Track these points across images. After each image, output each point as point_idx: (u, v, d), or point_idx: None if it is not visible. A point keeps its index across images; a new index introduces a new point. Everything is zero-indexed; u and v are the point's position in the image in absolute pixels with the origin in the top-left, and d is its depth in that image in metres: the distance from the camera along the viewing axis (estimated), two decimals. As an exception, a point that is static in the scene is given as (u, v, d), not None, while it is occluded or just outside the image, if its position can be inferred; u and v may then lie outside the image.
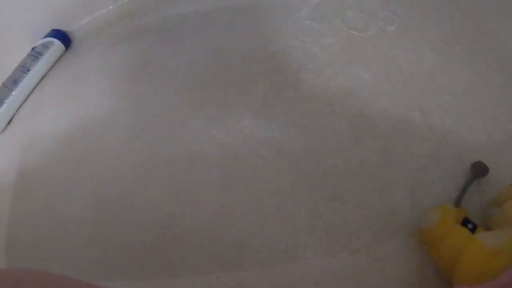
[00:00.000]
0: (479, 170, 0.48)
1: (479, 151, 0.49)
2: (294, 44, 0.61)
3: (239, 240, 0.47)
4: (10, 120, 0.65)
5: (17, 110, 0.65)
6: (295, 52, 0.60)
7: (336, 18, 0.62)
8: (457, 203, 0.45)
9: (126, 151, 0.56)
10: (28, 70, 0.66)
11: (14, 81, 0.65)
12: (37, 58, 0.68)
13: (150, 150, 0.55)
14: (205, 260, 0.47)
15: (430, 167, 0.49)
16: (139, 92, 0.61)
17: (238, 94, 0.58)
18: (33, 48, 0.69)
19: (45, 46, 0.69)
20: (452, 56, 0.58)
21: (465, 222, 0.41)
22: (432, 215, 0.43)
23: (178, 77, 0.61)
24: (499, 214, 0.42)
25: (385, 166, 0.50)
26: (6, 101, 0.64)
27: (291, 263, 0.45)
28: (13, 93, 0.64)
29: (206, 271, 0.46)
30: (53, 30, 0.72)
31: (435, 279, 0.42)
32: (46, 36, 0.70)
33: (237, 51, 0.61)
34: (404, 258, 0.43)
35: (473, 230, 0.40)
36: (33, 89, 0.67)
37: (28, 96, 0.67)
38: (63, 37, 0.71)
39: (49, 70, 0.69)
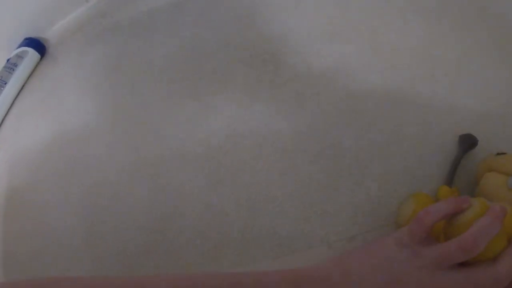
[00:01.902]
0: (467, 143, 0.45)
1: (472, 123, 0.47)
2: (270, 26, 0.58)
3: (230, 237, 0.46)
4: (-7, 136, 0.64)
5: (-1, 125, 0.64)
6: (273, 34, 0.57)
7: None
8: (448, 182, 0.43)
9: (110, 156, 0.55)
10: (5, 83, 0.65)
11: (-8, 96, 0.64)
12: (13, 69, 0.66)
13: (134, 153, 0.54)
14: (198, 260, 0.46)
15: (423, 145, 0.47)
16: (117, 93, 0.60)
17: (217, 85, 0.56)
18: (7, 60, 0.67)
19: (20, 56, 0.67)
20: (441, 26, 0.55)
21: None
22: (404, 209, 0.41)
23: (155, 73, 0.59)
24: (478, 192, 0.40)
25: (376, 147, 0.48)
26: (-14, 117, 0.63)
27: (286, 256, 0.44)
28: (-8, 108, 0.63)
29: (199, 271, 0.45)
30: (26, 39, 0.70)
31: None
32: (20, 46, 0.69)
33: (212, 39, 0.59)
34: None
35: None
36: (13, 102, 0.66)
37: (9, 110, 0.65)
38: (37, 44, 0.69)
39: (26, 80, 0.68)
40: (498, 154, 0.41)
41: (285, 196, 0.47)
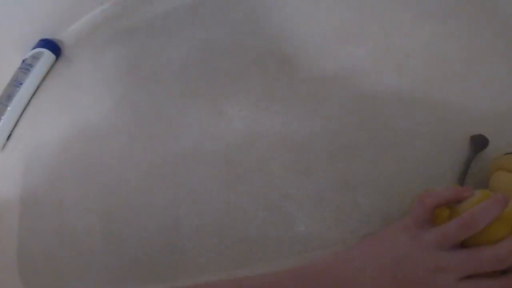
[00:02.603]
0: (478, 143, 0.46)
1: (483, 123, 0.48)
2: (285, 28, 0.59)
3: (248, 236, 0.46)
4: (9, 136, 0.65)
5: (15, 125, 0.65)
6: (287, 36, 0.58)
7: None
8: (460, 182, 0.44)
9: (127, 155, 0.56)
10: (21, 84, 0.66)
11: (8, 96, 0.64)
12: (29, 70, 0.67)
13: (151, 152, 0.55)
14: (216, 259, 0.46)
15: (435, 145, 0.48)
16: (133, 93, 0.60)
17: (234, 85, 0.56)
18: (23, 61, 0.68)
19: (35, 57, 0.68)
20: (452, 25, 0.56)
21: None
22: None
23: (171, 74, 0.60)
24: (489, 189, 0.41)
25: (389, 147, 0.48)
26: (2, 117, 0.63)
27: (302, 254, 0.44)
28: (8, 108, 0.64)
29: (218, 270, 0.46)
30: (41, 40, 0.71)
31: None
32: (35, 47, 0.69)
33: (228, 40, 0.60)
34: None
35: None
36: (29, 102, 0.67)
37: (24, 109, 0.66)
38: (52, 46, 0.70)
39: (42, 81, 0.69)
40: (507, 153, 0.42)
41: (301, 195, 0.47)
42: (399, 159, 0.48)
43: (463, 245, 0.34)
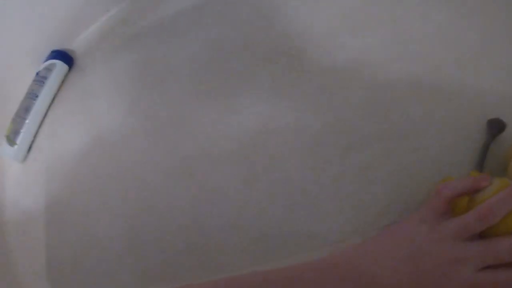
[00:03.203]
0: (496, 127, 0.45)
1: (498, 107, 0.47)
2: (292, 22, 0.58)
3: (267, 232, 0.47)
4: (30, 148, 0.66)
5: (34, 137, 0.67)
6: (295, 30, 0.58)
7: None
8: (479, 167, 0.43)
9: (145, 159, 0.57)
10: (37, 96, 0.67)
11: (25, 109, 0.66)
12: (43, 82, 0.68)
13: (168, 155, 0.56)
14: (238, 256, 0.47)
15: (452, 131, 0.47)
16: (147, 97, 0.61)
17: (245, 83, 0.56)
18: (37, 74, 0.69)
19: (48, 69, 0.69)
20: (463, 9, 0.55)
21: None
22: None
23: (183, 75, 0.60)
24: (507, 176, 0.40)
25: (406, 135, 0.48)
26: (21, 130, 0.65)
27: (322, 248, 0.45)
28: (27, 121, 0.65)
29: (239, 267, 0.46)
30: (53, 51, 0.72)
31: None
32: (48, 59, 0.70)
33: (237, 38, 0.60)
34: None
35: None
36: (46, 113, 0.68)
37: (42, 121, 0.68)
38: (64, 56, 0.71)
39: (57, 92, 0.70)
40: None
41: (319, 189, 0.47)
42: (416, 149, 0.47)
43: (481, 235, 0.33)
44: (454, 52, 0.52)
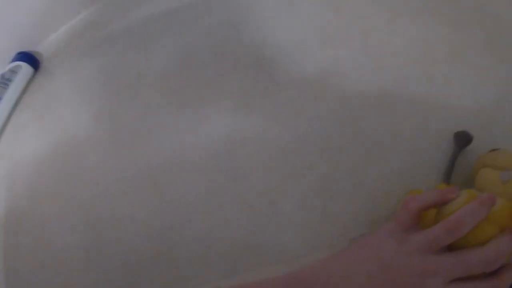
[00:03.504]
0: (463, 140, 0.46)
1: (467, 120, 0.48)
2: (264, 33, 0.58)
3: (233, 245, 0.46)
4: (-9, 153, 0.63)
5: (-4, 142, 0.64)
6: (266, 41, 0.57)
7: (305, 2, 0.60)
8: (446, 179, 0.43)
9: (109, 168, 0.55)
10: (0, 99, 0.65)
11: (-13, 113, 0.63)
12: (7, 85, 0.66)
13: (132, 164, 0.54)
14: (203, 270, 0.46)
15: (420, 143, 0.48)
16: (113, 103, 0.60)
17: (214, 92, 0.56)
18: (1, 75, 0.67)
19: (13, 71, 0.67)
20: (432, 23, 0.56)
21: None
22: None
23: (151, 83, 0.59)
24: (474, 188, 0.40)
25: (373, 147, 0.48)
26: (-18, 134, 0.62)
27: (289, 262, 0.44)
28: (-12, 125, 0.63)
29: (204, 281, 0.45)
30: (19, 53, 0.69)
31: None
32: (13, 60, 0.68)
33: (207, 47, 0.59)
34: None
35: None
36: (9, 117, 0.66)
37: (5, 125, 0.65)
38: (30, 58, 0.69)
39: (21, 95, 0.67)
40: (492, 150, 0.42)
41: (286, 201, 0.47)
42: (384, 160, 0.47)
43: (450, 247, 0.33)
44: (423, 66, 0.53)
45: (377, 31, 0.55)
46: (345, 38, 0.55)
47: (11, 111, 0.66)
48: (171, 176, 0.52)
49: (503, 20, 0.55)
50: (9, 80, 0.66)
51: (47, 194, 0.57)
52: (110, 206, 0.52)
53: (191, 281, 0.46)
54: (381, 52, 0.53)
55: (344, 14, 0.57)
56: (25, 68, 0.68)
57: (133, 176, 0.53)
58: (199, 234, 0.47)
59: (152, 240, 0.49)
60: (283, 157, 0.49)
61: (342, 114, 0.50)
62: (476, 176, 0.41)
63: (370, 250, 0.36)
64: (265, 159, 0.50)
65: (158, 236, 0.49)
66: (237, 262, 0.45)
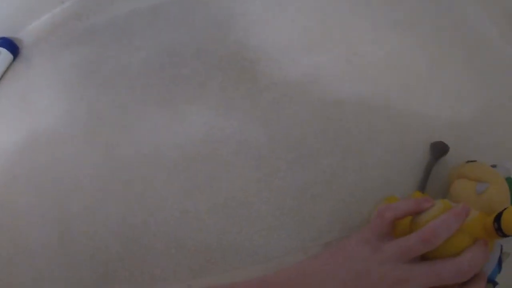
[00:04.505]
0: (439, 150, 0.47)
1: (444, 131, 0.49)
2: (248, 35, 0.58)
3: (206, 245, 0.46)
4: (-38, 140, 0.61)
5: (-31, 128, 0.62)
6: (250, 43, 0.57)
7: (291, 5, 0.60)
8: (421, 188, 0.44)
9: (84, 161, 0.54)
10: (-24, 84, 0.63)
11: (-40, 97, 0.61)
12: (-16, 69, 0.64)
13: (107, 158, 0.53)
14: (174, 269, 0.45)
15: (397, 152, 0.48)
16: (91, 96, 0.58)
17: (194, 90, 0.55)
18: (-22, 60, 0.65)
19: (-9, 56, 0.65)
20: (413, 35, 0.57)
21: None
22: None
23: (131, 77, 0.58)
24: (449, 198, 0.41)
25: (351, 154, 0.48)
26: (-46, 119, 0.60)
27: (262, 263, 0.44)
28: (-40, 111, 0.61)
29: (176, 280, 0.45)
30: (-2, 39, 0.68)
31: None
32: (-8, 46, 0.66)
33: (190, 44, 0.59)
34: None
35: None
36: (-16, 103, 0.64)
37: (-21, 111, 0.63)
38: (10, 45, 0.67)
39: (-1, 81, 0.66)
40: (467, 162, 0.43)
41: (262, 203, 0.47)
42: (360, 167, 0.48)
43: (424, 256, 0.34)
44: (403, 77, 0.53)
45: (360, 41, 0.56)
46: (329, 46, 0.56)
47: (-13, 97, 0.64)
48: (147, 172, 0.51)
49: (483, 36, 0.56)
50: (-13, 65, 0.64)
51: (20, 184, 0.55)
52: (82, 199, 0.51)
53: (162, 279, 0.45)
54: (363, 61, 0.54)
55: (330, 22, 0.58)
56: (4, 54, 0.66)
57: (108, 170, 0.52)
58: (172, 232, 0.47)
59: (125, 236, 0.48)
60: (260, 158, 0.49)
61: (321, 120, 0.50)
62: (451, 186, 0.42)
63: (345, 255, 0.36)
64: (242, 159, 0.49)
65: (130, 233, 0.48)
66: (210, 262, 0.45)
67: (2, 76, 0.66)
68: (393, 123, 0.50)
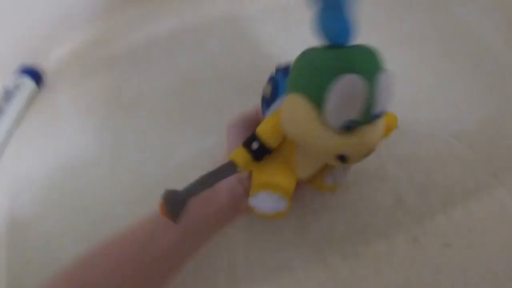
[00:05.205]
0: None
1: (456, 145, 0.51)
2: (263, 56, 0.60)
3: (233, 262, 0.48)
4: (-7, 168, 0.64)
5: (-1, 157, 0.65)
6: (266, 64, 0.58)
7: (301, 25, 0.61)
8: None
9: (114, 187, 0.56)
10: (2, 113, 0.65)
11: (-10, 128, 0.64)
12: (10, 99, 0.67)
13: (135, 182, 0.56)
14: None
15: (408, 166, 0.50)
16: (115, 124, 0.61)
17: (215, 115, 0.57)
18: (3, 89, 0.68)
19: (16, 86, 0.68)
20: (419, 49, 0.59)
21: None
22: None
23: (153, 104, 0.61)
24: None
25: (361, 168, 0.50)
26: (-14, 149, 0.63)
27: (285, 278, 0.46)
28: (-9, 140, 0.63)
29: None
30: (22, 68, 0.70)
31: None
32: (17, 74, 0.69)
33: (208, 70, 0.61)
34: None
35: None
36: (12, 132, 0.67)
37: (8, 140, 0.66)
38: (34, 74, 0.70)
39: (24, 110, 0.68)
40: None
41: (282, 220, 0.49)
42: (370, 178, 0.50)
43: None
44: (411, 91, 0.55)
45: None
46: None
47: (14, 126, 0.67)
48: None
49: (488, 44, 0.58)
50: (12, 94, 0.67)
51: (51, 208, 0.58)
52: (114, 223, 0.53)
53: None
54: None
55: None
56: (28, 83, 0.68)
57: (136, 194, 0.55)
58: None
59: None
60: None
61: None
62: None
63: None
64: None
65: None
66: (236, 278, 0.47)
67: (28, 104, 0.69)
68: (404, 142, 0.52)
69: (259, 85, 0.58)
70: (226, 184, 0.40)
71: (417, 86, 0.56)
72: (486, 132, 0.52)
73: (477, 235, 0.45)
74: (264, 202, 0.36)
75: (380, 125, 0.30)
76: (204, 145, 0.56)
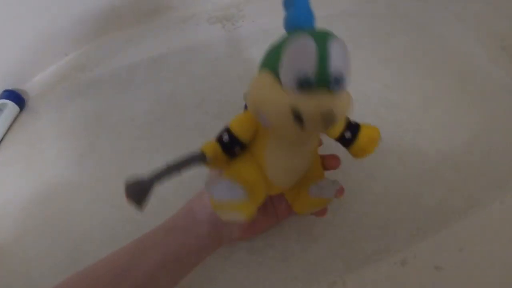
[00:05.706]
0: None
1: (438, 162, 0.50)
2: (249, 81, 0.60)
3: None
4: (-27, 193, 0.63)
5: (-22, 181, 0.63)
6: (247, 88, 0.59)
7: None
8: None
9: (93, 212, 0.55)
10: (-16, 137, 0.65)
11: (-31, 152, 0.63)
12: (-8, 123, 0.66)
13: (115, 209, 0.54)
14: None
15: (394, 189, 0.49)
16: (97, 148, 0.60)
17: (197, 139, 0.56)
18: (-14, 113, 0.67)
19: (-1, 110, 0.67)
20: (405, 70, 0.59)
21: None
22: None
23: (136, 128, 0.60)
24: None
25: (349, 192, 0.50)
26: (-36, 174, 0.62)
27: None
28: (-30, 165, 0.62)
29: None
30: (5, 91, 0.70)
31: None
32: (-1, 98, 0.69)
33: (192, 94, 0.61)
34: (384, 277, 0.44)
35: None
36: (-8, 155, 0.66)
37: (-12, 164, 0.65)
38: (16, 97, 0.69)
39: (6, 134, 0.67)
40: None
41: (268, 245, 0.48)
42: (359, 205, 0.49)
43: None
44: (396, 112, 0.55)
45: (355, 76, 0.57)
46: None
47: (-5, 149, 0.66)
48: (154, 223, 0.52)
49: (473, 62, 0.58)
50: (-6, 118, 0.66)
51: (31, 235, 0.56)
52: (92, 250, 0.52)
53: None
54: (356, 96, 0.55)
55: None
56: (11, 106, 0.68)
57: (117, 221, 0.53)
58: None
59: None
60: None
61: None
62: None
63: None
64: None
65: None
66: None
67: (10, 128, 0.68)
68: (388, 162, 0.52)
69: (241, 110, 0.59)
70: (207, 212, 0.40)
71: (402, 106, 0.56)
72: (473, 151, 0.52)
73: (468, 254, 0.44)
74: (220, 189, 0.35)
75: (342, 97, 0.31)
76: (187, 173, 0.54)
